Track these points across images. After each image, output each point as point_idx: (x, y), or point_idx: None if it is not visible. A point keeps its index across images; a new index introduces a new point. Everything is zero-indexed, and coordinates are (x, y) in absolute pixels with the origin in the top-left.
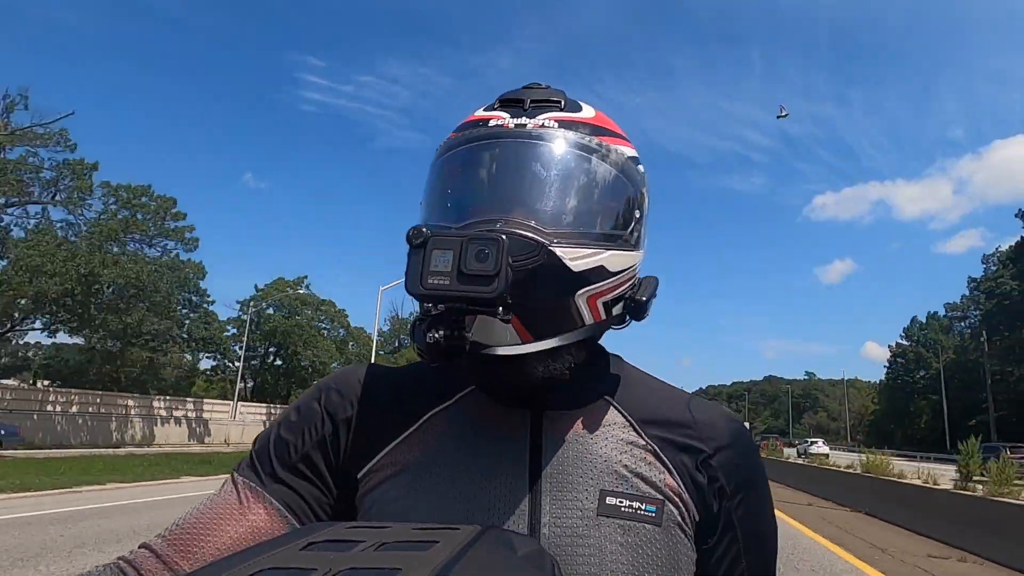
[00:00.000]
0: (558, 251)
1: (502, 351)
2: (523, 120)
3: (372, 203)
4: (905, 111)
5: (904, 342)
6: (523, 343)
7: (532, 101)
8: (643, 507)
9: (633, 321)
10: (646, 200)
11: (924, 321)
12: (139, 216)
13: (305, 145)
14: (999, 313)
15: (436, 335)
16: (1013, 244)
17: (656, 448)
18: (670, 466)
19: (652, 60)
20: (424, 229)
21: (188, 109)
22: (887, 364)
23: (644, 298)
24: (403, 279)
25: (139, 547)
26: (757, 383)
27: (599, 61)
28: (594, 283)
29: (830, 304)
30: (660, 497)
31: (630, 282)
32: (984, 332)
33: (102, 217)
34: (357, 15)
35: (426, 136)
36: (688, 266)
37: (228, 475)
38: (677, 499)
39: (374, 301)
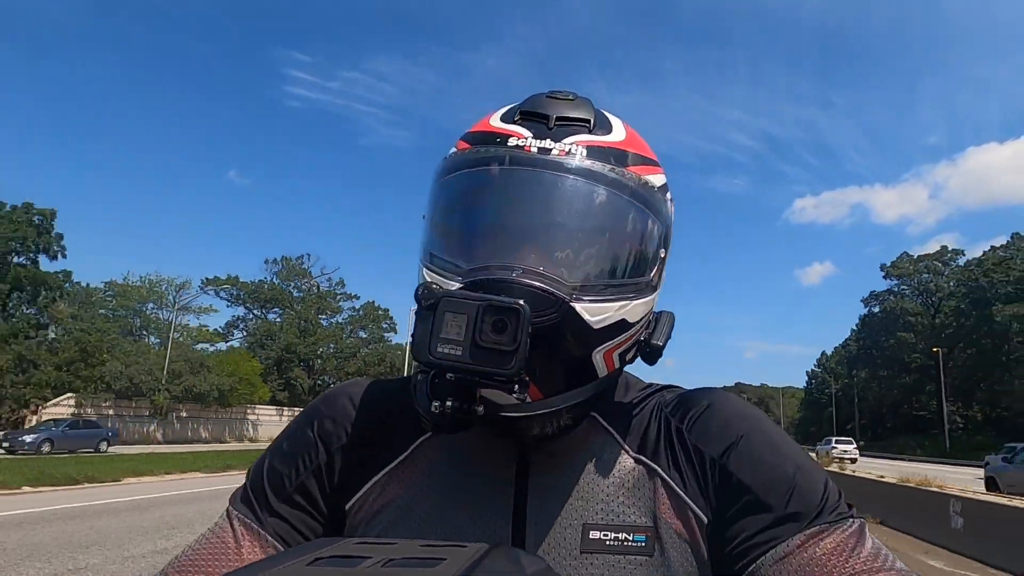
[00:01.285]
0: (578, 307)
1: (510, 412)
2: (547, 143)
3: (359, 201)
4: (886, 116)
5: (817, 368)
6: (533, 402)
7: (558, 119)
8: (631, 538)
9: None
10: (671, 234)
11: (829, 354)
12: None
13: (290, 141)
14: (865, 351)
15: (444, 405)
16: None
17: (644, 460)
18: (660, 476)
19: (638, 61)
20: (435, 287)
21: (170, 103)
22: (806, 384)
23: (660, 343)
24: (409, 340)
25: None
26: (729, 388)
27: (586, 61)
28: (614, 338)
29: (810, 306)
30: (650, 525)
31: (647, 326)
32: (854, 367)
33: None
34: (343, 10)
35: (413, 134)
36: (673, 267)
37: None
38: (676, 515)
39: (363, 299)
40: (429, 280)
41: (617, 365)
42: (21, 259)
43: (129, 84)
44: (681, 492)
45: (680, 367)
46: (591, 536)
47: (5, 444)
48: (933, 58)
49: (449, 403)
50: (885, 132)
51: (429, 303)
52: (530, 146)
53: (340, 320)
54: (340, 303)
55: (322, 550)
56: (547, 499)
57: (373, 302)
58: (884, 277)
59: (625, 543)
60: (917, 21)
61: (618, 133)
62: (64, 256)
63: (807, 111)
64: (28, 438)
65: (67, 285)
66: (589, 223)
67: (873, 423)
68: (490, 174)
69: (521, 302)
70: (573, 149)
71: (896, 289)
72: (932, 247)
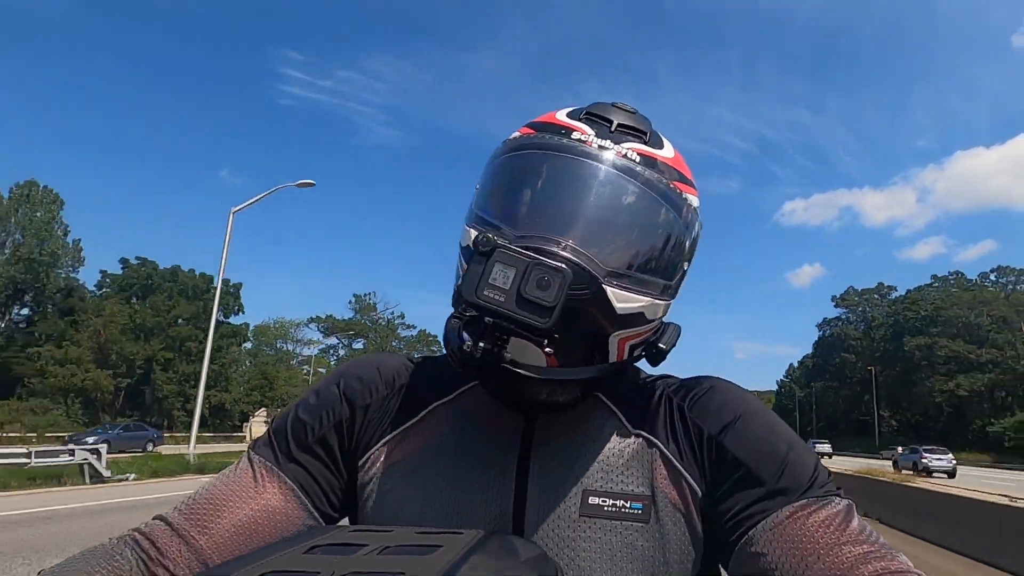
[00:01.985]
0: (608, 290)
1: (527, 372)
2: (607, 143)
3: (352, 200)
4: (876, 120)
5: (785, 378)
6: (548, 367)
7: (619, 125)
8: (628, 505)
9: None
10: (695, 253)
11: (796, 366)
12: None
13: (283, 140)
14: (819, 367)
15: (476, 346)
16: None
17: (644, 435)
18: (660, 449)
19: (633, 63)
20: (493, 236)
21: (161, 100)
22: (776, 390)
23: (665, 347)
24: (458, 280)
25: (153, 519)
26: None
27: (581, 62)
28: (631, 327)
29: (799, 307)
30: (647, 493)
31: (657, 327)
32: (812, 379)
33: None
34: (337, 8)
35: (407, 134)
36: None
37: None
38: (671, 483)
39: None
40: (489, 235)
41: (627, 356)
42: (223, 318)
43: (119, 81)
44: (678, 465)
45: (665, 366)
46: (590, 501)
47: (71, 444)
48: (923, 62)
49: (481, 344)
50: (875, 135)
51: (486, 249)
52: (591, 142)
53: (401, 346)
54: (400, 332)
55: (318, 538)
56: (550, 465)
57: (425, 330)
58: (835, 306)
59: (622, 510)
60: (908, 25)
61: (668, 151)
62: (243, 312)
63: (799, 113)
64: (90, 439)
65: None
66: (631, 220)
67: (828, 426)
68: (552, 157)
69: (568, 269)
70: (629, 153)
71: (843, 316)
72: (920, 251)
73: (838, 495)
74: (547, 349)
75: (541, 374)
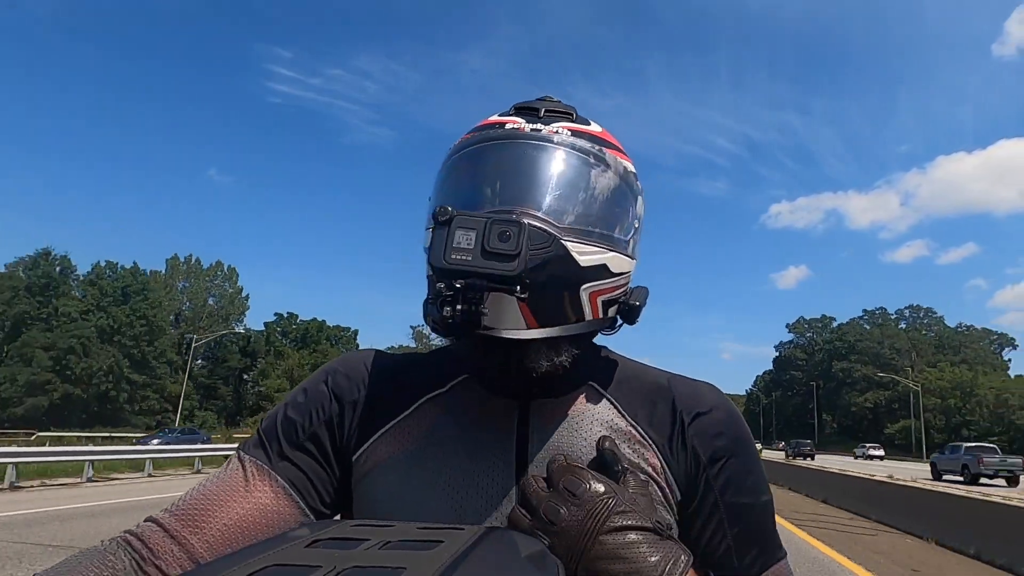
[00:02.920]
0: (568, 244)
1: (509, 334)
2: (538, 126)
3: (341, 198)
4: (861, 124)
5: (752, 388)
6: (529, 328)
7: (547, 111)
8: None
9: (625, 325)
10: (643, 213)
11: (760, 376)
12: None
13: (272, 139)
14: (775, 381)
15: (453, 310)
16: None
17: (639, 428)
18: (651, 444)
19: (622, 65)
20: (449, 208)
21: (148, 96)
22: (746, 396)
23: (638, 303)
24: (426, 254)
25: (145, 520)
26: None
27: (571, 63)
28: (597, 280)
29: (786, 308)
30: (644, 479)
31: (625, 287)
32: (771, 391)
33: None
34: (325, 6)
35: (395, 132)
36: (651, 267)
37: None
38: (660, 478)
39: (347, 298)
40: (446, 206)
41: (601, 313)
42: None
43: (103, 76)
44: (666, 465)
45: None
46: None
47: (138, 444)
48: (907, 68)
49: (459, 307)
50: (860, 139)
51: (444, 219)
52: (524, 127)
53: None
54: None
55: (320, 532)
56: (548, 452)
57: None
58: (788, 331)
59: None
60: (893, 31)
61: (595, 127)
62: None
63: (786, 116)
64: (155, 441)
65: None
66: (574, 185)
67: (784, 428)
68: (493, 147)
69: (524, 220)
70: (560, 130)
71: (794, 340)
72: (903, 253)
73: (783, 551)
74: (521, 296)
75: (526, 333)
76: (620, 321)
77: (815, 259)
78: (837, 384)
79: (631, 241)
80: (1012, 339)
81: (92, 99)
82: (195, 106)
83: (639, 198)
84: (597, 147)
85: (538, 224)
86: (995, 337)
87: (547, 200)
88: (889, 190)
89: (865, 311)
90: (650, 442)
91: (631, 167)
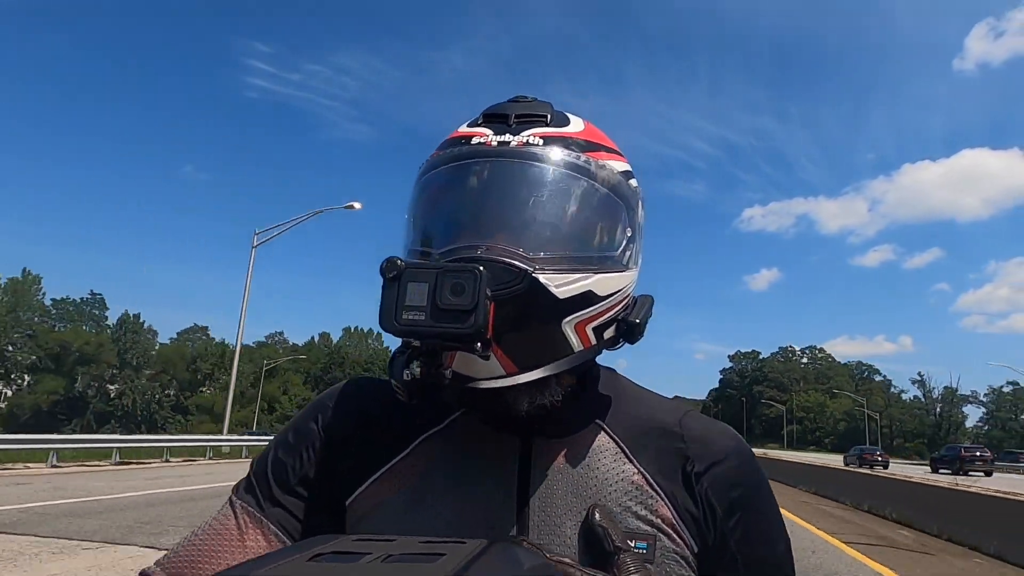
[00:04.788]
0: (542, 278)
1: (485, 384)
2: (507, 137)
3: (319, 195)
4: (832, 131)
5: (705, 399)
6: (508, 375)
7: (517, 116)
8: (633, 544)
9: (627, 343)
10: (640, 216)
11: (711, 391)
12: None
13: (248, 134)
14: (722, 397)
15: (413, 371)
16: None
17: (648, 475)
18: (662, 495)
19: (603, 66)
20: (398, 261)
21: (120, 91)
22: (702, 405)
23: (637, 320)
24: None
25: (139, 574)
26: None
27: (552, 64)
28: (582, 309)
29: (758, 310)
30: (652, 531)
31: (622, 304)
32: (718, 404)
33: None
34: (306, 1)
35: (374, 129)
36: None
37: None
38: (671, 530)
39: (334, 302)
40: (395, 258)
41: (594, 341)
42: None
43: (73, 67)
44: (679, 519)
45: (635, 371)
46: None
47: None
48: (875, 78)
49: (418, 368)
50: (830, 146)
51: (392, 275)
52: (491, 141)
53: None
54: None
55: (322, 546)
56: (550, 495)
57: None
58: (730, 361)
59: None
60: (865, 42)
61: (575, 126)
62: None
63: (763, 121)
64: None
65: None
66: (549, 205)
67: None
68: (455, 169)
69: (479, 268)
70: (531, 140)
71: (734, 367)
72: (871, 258)
73: None
74: (483, 354)
75: (502, 381)
76: (621, 340)
77: (787, 262)
78: (755, 401)
79: (626, 253)
80: (876, 368)
81: (59, 93)
82: (169, 100)
83: (635, 201)
84: (575, 154)
85: (505, 259)
86: (865, 367)
87: (517, 227)
88: (857, 196)
89: (780, 348)
90: (660, 491)
91: (621, 166)
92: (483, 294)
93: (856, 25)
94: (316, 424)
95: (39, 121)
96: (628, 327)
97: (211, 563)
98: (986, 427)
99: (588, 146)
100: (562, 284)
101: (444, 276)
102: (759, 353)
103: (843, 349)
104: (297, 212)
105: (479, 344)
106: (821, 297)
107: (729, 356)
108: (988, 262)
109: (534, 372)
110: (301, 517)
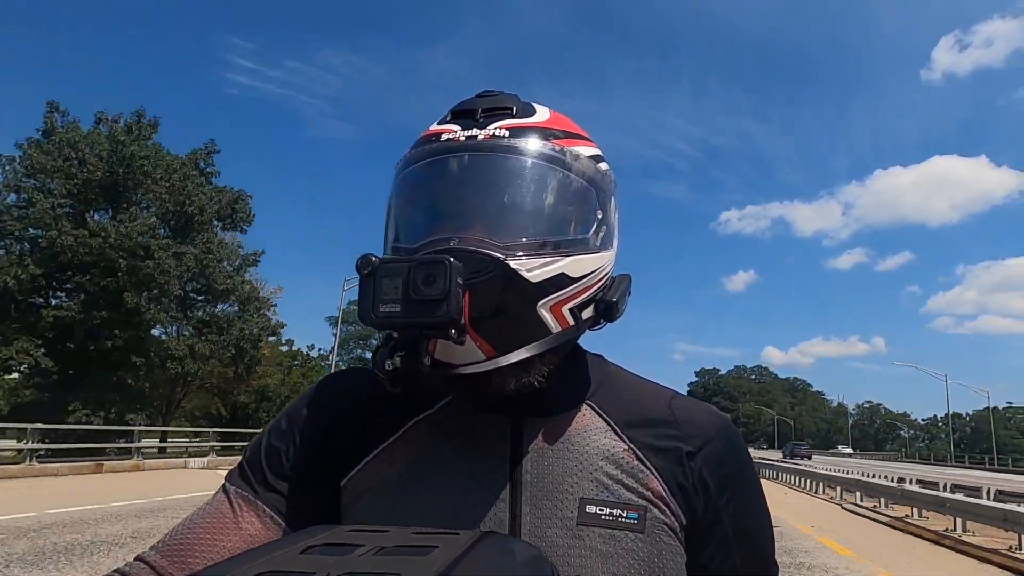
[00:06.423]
0: (514, 264)
1: (465, 370)
2: (474, 132)
3: (301, 193)
4: (807, 136)
5: None
6: (488, 359)
7: (483, 110)
8: (624, 514)
9: (606, 322)
10: (611, 198)
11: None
12: None
13: (228, 131)
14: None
15: (395, 361)
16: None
17: (638, 451)
18: (653, 469)
19: (587, 67)
20: (372, 258)
21: (99, 82)
22: None
23: (614, 299)
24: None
25: (135, 559)
26: None
27: (536, 64)
28: (557, 292)
29: (735, 311)
30: (643, 503)
31: (599, 284)
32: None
33: None
34: None
35: (356, 127)
36: (621, 266)
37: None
38: (661, 503)
39: (307, 303)
40: (369, 255)
41: (572, 321)
42: None
43: (46, 60)
44: (669, 494)
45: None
46: (587, 510)
47: None
48: (849, 85)
49: (398, 358)
50: (805, 150)
51: (367, 271)
52: (459, 137)
53: None
54: None
55: (314, 538)
56: (541, 474)
57: None
58: (695, 375)
59: (619, 519)
60: (843, 50)
61: (541, 115)
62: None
63: (743, 123)
64: None
65: None
66: (517, 193)
67: None
68: (425, 167)
69: (449, 259)
70: (497, 132)
71: (699, 381)
72: (844, 260)
73: (777, 567)
74: (458, 340)
75: (482, 365)
76: (601, 320)
77: (763, 264)
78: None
79: (598, 234)
80: (808, 383)
81: (34, 84)
82: (148, 94)
83: (605, 183)
84: (541, 142)
85: (477, 249)
86: (799, 381)
87: (487, 217)
88: (831, 200)
89: (736, 366)
90: (650, 466)
91: (589, 151)
92: (455, 283)
93: (835, 33)
94: (309, 411)
95: (13, 120)
96: (606, 306)
97: (207, 545)
98: (855, 430)
99: (555, 134)
100: (534, 268)
101: (416, 269)
102: (719, 370)
103: (818, 349)
104: (276, 212)
105: (453, 331)
106: (797, 298)
107: (696, 372)
108: (957, 265)
109: (512, 355)
110: (295, 500)
